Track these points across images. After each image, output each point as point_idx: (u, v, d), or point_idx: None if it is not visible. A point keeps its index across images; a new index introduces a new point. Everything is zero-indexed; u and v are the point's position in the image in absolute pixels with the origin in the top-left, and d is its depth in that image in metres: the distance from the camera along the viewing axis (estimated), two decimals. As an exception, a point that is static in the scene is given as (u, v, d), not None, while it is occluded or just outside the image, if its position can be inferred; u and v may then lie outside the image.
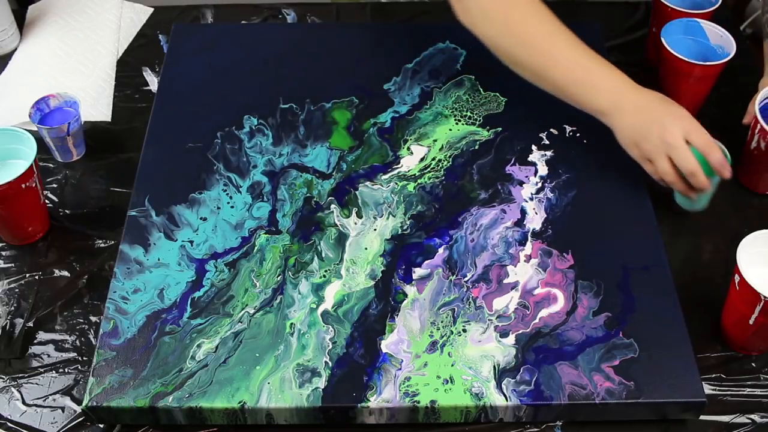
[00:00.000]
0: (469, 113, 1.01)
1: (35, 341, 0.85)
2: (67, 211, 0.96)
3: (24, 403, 0.80)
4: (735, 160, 0.93)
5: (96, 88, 1.09)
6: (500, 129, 1.00)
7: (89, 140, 1.03)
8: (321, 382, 0.77)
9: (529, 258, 0.87)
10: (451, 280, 0.85)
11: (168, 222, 0.90)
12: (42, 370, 0.83)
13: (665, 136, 0.86)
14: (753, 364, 0.84)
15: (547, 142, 0.98)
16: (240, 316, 0.82)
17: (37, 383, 0.82)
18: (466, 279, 0.85)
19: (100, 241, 0.93)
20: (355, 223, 0.90)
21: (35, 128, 0.98)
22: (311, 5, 1.22)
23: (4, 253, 0.92)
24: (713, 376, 0.83)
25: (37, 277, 0.90)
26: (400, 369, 0.78)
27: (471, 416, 0.78)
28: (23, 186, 0.87)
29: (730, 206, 0.97)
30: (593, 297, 0.84)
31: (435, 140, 0.98)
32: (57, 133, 0.97)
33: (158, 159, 0.96)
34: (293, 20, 1.20)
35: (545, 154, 0.97)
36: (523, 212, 0.91)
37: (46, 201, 0.95)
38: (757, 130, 0.93)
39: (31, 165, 0.87)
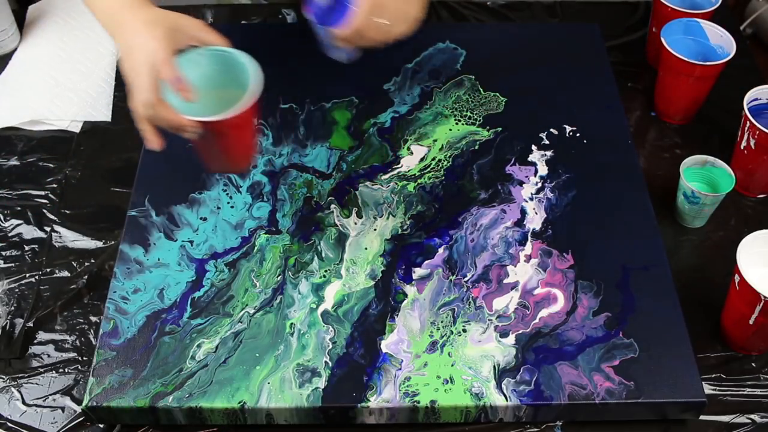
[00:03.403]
0: (469, 113, 1.01)
1: (35, 341, 0.85)
2: (67, 211, 0.96)
3: (24, 403, 0.80)
4: (728, 162, 0.93)
5: (96, 88, 1.09)
6: (500, 129, 1.00)
7: (89, 140, 1.03)
8: (321, 382, 0.77)
9: (529, 258, 0.87)
10: (451, 280, 0.85)
11: (168, 222, 0.90)
12: (42, 370, 0.83)
13: (127, 64, 0.76)
14: (753, 364, 0.84)
15: (547, 142, 0.98)
16: (240, 316, 0.82)
17: (37, 383, 0.82)
18: (466, 279, 0.85)
19: (100, 241, 0.93)
20: (355, 223, 0.90)
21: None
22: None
23: (4, 253, 0.92)
24: (713, 376, 0.83)
25: (37, 277, 0.90)
26: (400, 369, 0.78)
27: (471, 416, 0.78)
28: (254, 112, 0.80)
29: (730, 206, 0.97)
30: (593, 297, 0.84)
31: (435, 140, 0.98)
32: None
33: (158, 159, 0.96)
34: (293, 20, 1.20)
35: (545, 154, 0.97)
36: (523, 212, 0.91)
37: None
38: (746, 128, 0.93)
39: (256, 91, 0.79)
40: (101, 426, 0.79)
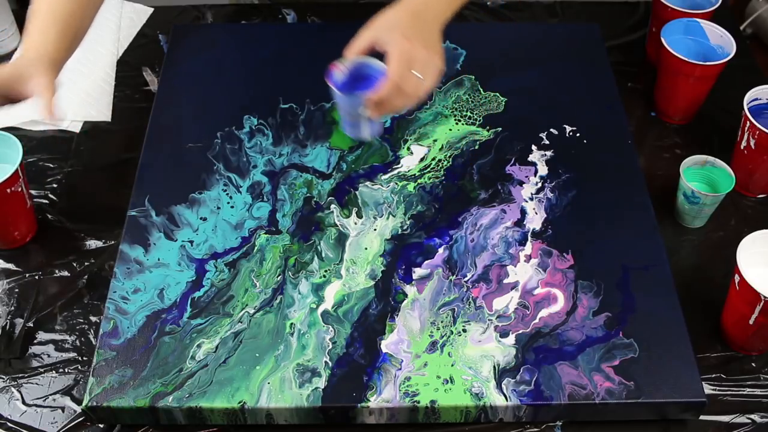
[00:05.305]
0: (469, 113, 1.01)
1: (35, 341, 0.85)
2: (67, 211, 0.96)
3: (24, 403, 0.80)
4: (728, 162, 0.93)
5: (96, 88, 1.09)
6: (500, 129, 1.00)
7: (89, 140, 1.03)
8: (321, 382, 0.77)
9: (529, 258, 0.87)
10: (451, 280, 0.85)
11: (168, 222, 0.90)
12: (42, 370, 0.83)
13: None
14: (753, 364, 0.84)
15: (547, 142, 0.98)
16: (240, 316, 0.82)
17: (37, 383, 0.82)
18: (466, 279, 0.85)
19: (100, 241, 0.93)
20: (355, 223, 0.90)
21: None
22: (311, 5, 1.23)
23: (4, 253, 0.92)
24: (713, 376, 0.83)
25: (37, 277, 0.90)
26: (400, 369, 0.78)
27: (471, 416, 0.78)
28: (8, 191, 0.86)
29: (730, 206, 0.97)
30: (593, 297, 0.84)
31: (435, 140, 0.98)
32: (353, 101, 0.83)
33: (158, 159, 0.96)
34: (293, 20, 1.20)
35: (545, 154, 0.97)
36: (523, 212, 0.91)
37: (33, 204, 0.93)
38: (746, 128, 0.93)
39: (17, 169, 0.85)
40: (101, 426, 0.79)
